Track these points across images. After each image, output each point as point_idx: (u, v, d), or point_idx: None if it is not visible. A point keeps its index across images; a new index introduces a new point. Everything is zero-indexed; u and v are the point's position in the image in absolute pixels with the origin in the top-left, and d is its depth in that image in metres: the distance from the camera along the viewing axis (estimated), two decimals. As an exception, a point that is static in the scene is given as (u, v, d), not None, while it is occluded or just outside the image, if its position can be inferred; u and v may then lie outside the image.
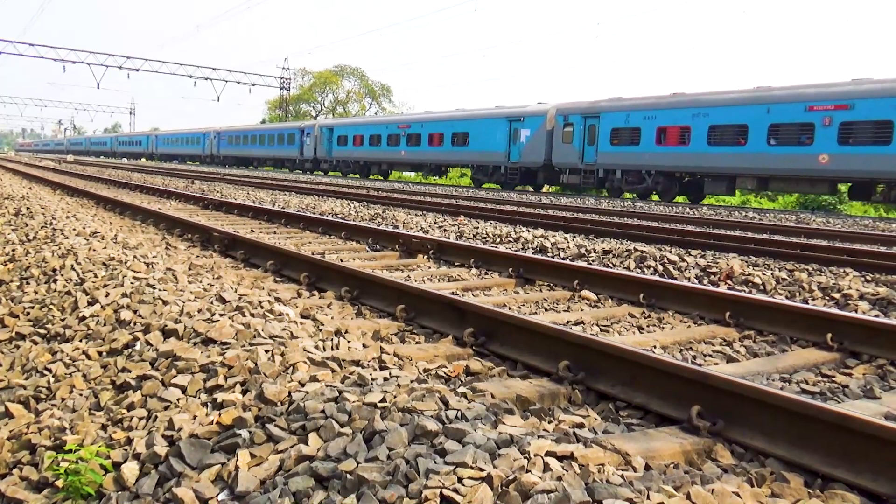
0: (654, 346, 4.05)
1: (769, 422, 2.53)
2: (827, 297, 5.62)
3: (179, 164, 54.82)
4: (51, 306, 4.37)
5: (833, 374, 3.66)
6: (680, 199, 23.81)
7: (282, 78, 64.22)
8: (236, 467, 2.18)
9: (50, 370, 3.33)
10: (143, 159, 72.26)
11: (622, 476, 2.03)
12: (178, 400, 2.78)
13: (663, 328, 4.66)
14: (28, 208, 10.19)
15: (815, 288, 5.83)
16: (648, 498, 1.89)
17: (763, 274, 6.33)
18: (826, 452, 2.37)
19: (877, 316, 4.99)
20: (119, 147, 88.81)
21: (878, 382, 3.56)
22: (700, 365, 3.68)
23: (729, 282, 6.26)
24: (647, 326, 4.70)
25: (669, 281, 5.49)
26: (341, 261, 6.81)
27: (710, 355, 4.02)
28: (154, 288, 4.36)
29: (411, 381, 2.77)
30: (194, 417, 2.58)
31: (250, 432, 2.37)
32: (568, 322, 4.61)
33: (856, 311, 5.11)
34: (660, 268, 6.86)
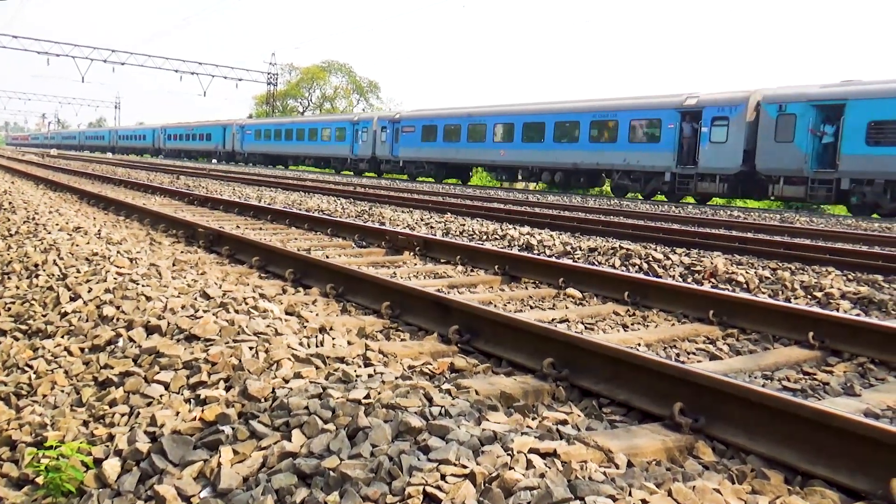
0: (639, 344, 4.08)
1: (750, 419, 2.56)
2: (809, 296, 5.67)
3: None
4: (32, 302, 4.33)
5: (814, 372, 3.70)
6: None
7: (269, 73, 63.78)
8: (219, 464, 2.17)
9: (31, 366, 3.30)
10: (213, 161, 49.43)
11: (604, 473, 2.04)
12: (160, 396, 2.76)
13: (647, 326, 4.69)
14: (10, 203, 10.08)
15: (797, 287, 5.89)
16: (630, 495, 1.90)
17: (747, 272, 6.37)
18: (806, 449, 2.39)
19: (858, 315, 5.04)
20: (168, 143, 60.37)
21: (859, 380, 3.60)
22: (683, 362, 3.71)
23: (713, 280, 6.30)
24: (632, 324, 4.73)
25: (654, 279, 5.52)
26: (327, 257, 6.79)
27: (694, 353, 4.05)
28: (137, 284, 4.33)
29: (396, 378, 2.78)
30: (177, 414, 2.57)
31: (233, 429, 2.36)
32: (553, 320, 4.62)
33: (837, 310, 5.17)
34: (645, 266, 6.90)
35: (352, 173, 36.76)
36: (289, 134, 43.05)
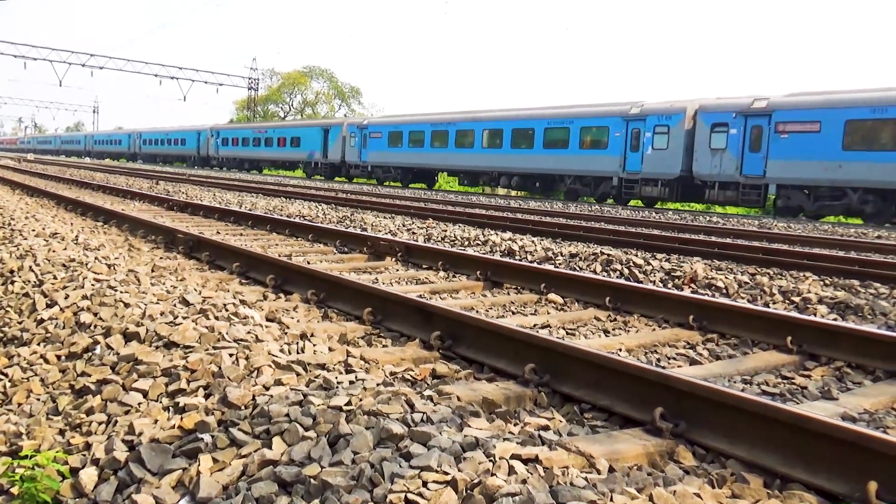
0: (620, 349, 4.09)
1: (730, 423, 2.57)
2: (787, 301, 5.73)
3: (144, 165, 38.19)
4: (8, 309, 4.27)
5: (792, 376, 3.74)
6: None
7: (250, 78, 63.54)
8: (198, 472, 2.15)
9: (6, 374, 3.25)
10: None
11: (586, 478, 2.04)
12: (139, 404, 2.73)
13: (629, 331, 4.71)
14: (-15, 208, 9.92)
15: (775, 291, 5.95)
16: (612, 500, 1.90)
17: (726, 278, 6.43)
18: (785, 453, 2.41)
19: (835, 319, 5.10)
20: (223, 149, 44.42)
21: (836, 384, 3.64)
22: (664, 367, 3.73)
23: (693, 285, 6.35)
24: (613, 329, 4.75)
25: (635, 284, 5.56)
26: (308, 263, 6.75)
27: (674, 358, 4.07)
28: (115, 290, 4.28)
29: (377, 385, 2.76)
30: (155, 422, 2.54)
31: (213, 437, 2.33)
32: (534, 325, 4.63)
33: (815, 315, 5.23)
34: (626, 271, 6.94)
35: (611, 201, 23.27)
36: (463, 138, 26.82)
